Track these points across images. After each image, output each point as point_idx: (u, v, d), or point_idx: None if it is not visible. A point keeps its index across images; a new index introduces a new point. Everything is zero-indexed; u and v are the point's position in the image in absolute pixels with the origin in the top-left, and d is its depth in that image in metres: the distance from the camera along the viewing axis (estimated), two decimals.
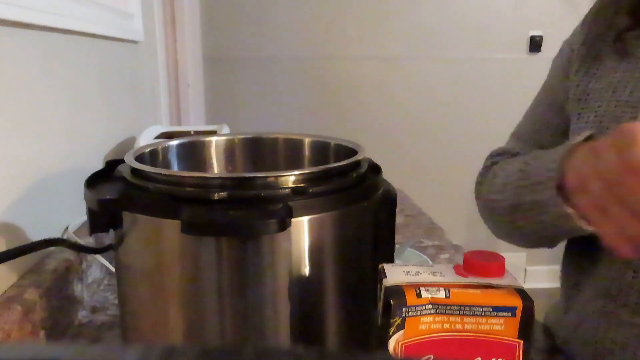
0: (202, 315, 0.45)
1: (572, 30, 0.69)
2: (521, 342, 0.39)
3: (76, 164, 0.78)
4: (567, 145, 0.52)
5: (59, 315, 0.62)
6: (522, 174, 0.59)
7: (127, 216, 0.45)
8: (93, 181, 0.49)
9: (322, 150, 0.62)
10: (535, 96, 0.74)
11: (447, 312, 0.39)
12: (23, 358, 0.17)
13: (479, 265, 0.41)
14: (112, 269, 0.74)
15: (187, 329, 0.46)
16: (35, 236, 0.63)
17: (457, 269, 0.42)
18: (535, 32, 2.43)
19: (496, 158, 0.71)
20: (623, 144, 0.42)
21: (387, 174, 0.53)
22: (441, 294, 0.39)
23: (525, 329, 0.39)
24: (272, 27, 2.36)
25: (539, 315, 0.47)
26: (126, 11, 1.11)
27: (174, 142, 0.62)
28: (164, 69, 1.61)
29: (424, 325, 0.39)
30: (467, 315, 0.39)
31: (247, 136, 0.66)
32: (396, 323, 0.39)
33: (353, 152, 0.52)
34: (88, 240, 0.72)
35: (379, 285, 0.42)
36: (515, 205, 0.60)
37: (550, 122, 0.69)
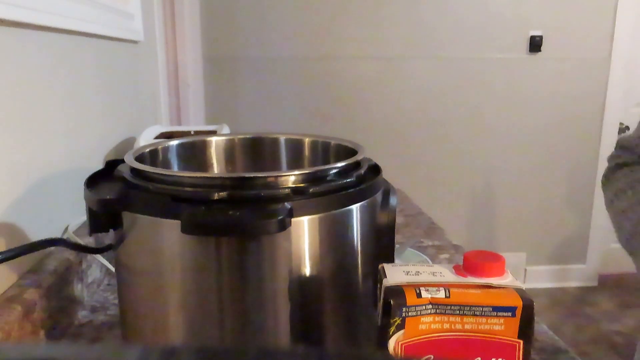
0: (202, 315, 0.45)
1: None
2: (521, 342, 0.39)
3: (76, 164, 0.78)
4: None
5: (59, 315, 0.62)
6: None
7: (127, 216, 0.46)
8: (93, 181, 0.49)
9: (322, 150, 0.62)
10: None
11: (447, 312, 0.39)
12: (23, 358, 0.17)
13: (479, 265, 0.41)
14: (112, 269, 0.74)
15: (187, 329, 0.46)
16: (35, 236, 0.63)
17: (457, 269, 0.42)
18: (535, 32, 2.44)
19: None
20: None
21: (387, 174, 0.53)
22: (441, 294, 0.39)
23: (525, 329, 0.39)
24: (272, 27, 2.36)
25: (543, 318, 0.46)
26: (126, 11, 1.11)
27: (174, 142, 0.62)
28: (164, 69, 1.61)
29: (424, 325, 0.39)
30: (467, 315, 0.39)
31: (247, 136, 0.66)
32: (396, 323, 0.39)
33: (353, 152, 0.52)
34: (88, 240, 0.72)
35: (379, 285, 0.42)
36: None
37: None
